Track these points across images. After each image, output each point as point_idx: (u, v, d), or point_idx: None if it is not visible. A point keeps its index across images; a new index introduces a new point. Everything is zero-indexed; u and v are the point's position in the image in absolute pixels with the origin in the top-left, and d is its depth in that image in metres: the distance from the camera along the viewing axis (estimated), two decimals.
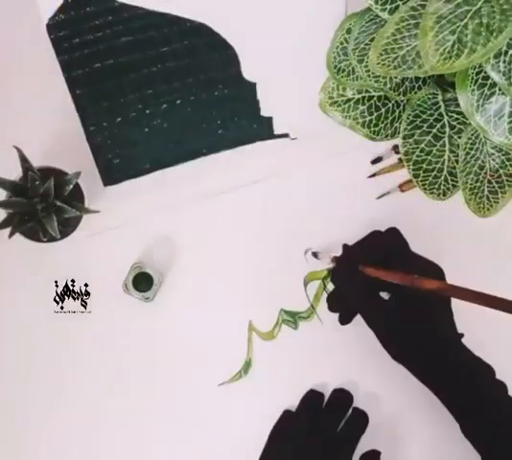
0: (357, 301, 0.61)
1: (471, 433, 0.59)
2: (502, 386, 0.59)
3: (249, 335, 0.66)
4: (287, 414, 0.66)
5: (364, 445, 0.65)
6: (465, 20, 0.45)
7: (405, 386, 0.64)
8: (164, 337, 0.67)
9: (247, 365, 0.66)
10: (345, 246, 0.62)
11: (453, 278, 0.66)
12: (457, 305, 0.60)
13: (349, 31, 0.56)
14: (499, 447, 0.58)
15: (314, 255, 0.64)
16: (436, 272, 0.60)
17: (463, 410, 0.59)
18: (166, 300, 0.67)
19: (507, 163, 0.57)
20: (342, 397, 0.66)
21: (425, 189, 0.60)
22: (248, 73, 0.66)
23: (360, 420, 0.66)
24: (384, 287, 0.60)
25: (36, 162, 0.60)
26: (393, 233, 0.62)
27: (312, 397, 0.66)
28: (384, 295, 0.61)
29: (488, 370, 0.59)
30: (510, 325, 0.66)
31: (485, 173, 0.57)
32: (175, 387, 0.67)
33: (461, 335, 0.60)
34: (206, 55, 0.65)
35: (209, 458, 0.65)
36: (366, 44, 0.55)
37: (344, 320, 0.64)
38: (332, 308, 0.65)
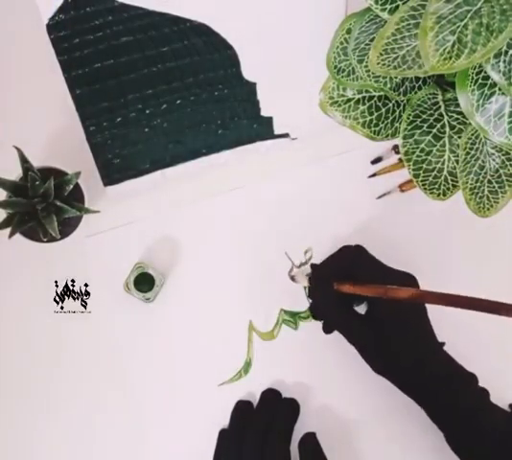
0: (334, 319, 0.61)
1: (454, 443, 0.59)
2: (485, 394, 0.58)
3: (249, 335, 0.66)
4: (223, 433, 0.66)
5: (365, 445, 0.65)
6: (465, 20, 0.45)
7: None
8: (164, 337, 0.67)
9: (247, 365, 0.66)
10: (314, 266, 0.62)
11: (451, 277, 0.66)
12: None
13: (349, 31, 0.56)
14: (482, 455, 0.57)
15: (292, 278, 0.63)
16: (410, 281, 0.60)
17: (447, 420, 0.59)
18: (166, 300, 0.67)
19: (507, 163, 0.57)
20: (270, 395, 0.66)
21: (425, 189, 0.60)
22: (248, 73, 0.66)
23: (291, 406, 0.66)
24: (359, 299, 0.61)
25: (36, 162, 0.60)
26: (359, 250, 0.62)
27: (241, 407, 0.66)
28: (362, 307, 0.61)
29: (471, 378, 0.58)
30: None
31: (485, 173, 0.57)
32: (175, 387, 0.67)
33: (442, 344, 0.60)
34: (206, 55, 0.65)
35: (209, 458, 0.65)
36: (366, 44, 0.55)
37: (327, 330, 0.64)
38: (316, 317, 0.65)
